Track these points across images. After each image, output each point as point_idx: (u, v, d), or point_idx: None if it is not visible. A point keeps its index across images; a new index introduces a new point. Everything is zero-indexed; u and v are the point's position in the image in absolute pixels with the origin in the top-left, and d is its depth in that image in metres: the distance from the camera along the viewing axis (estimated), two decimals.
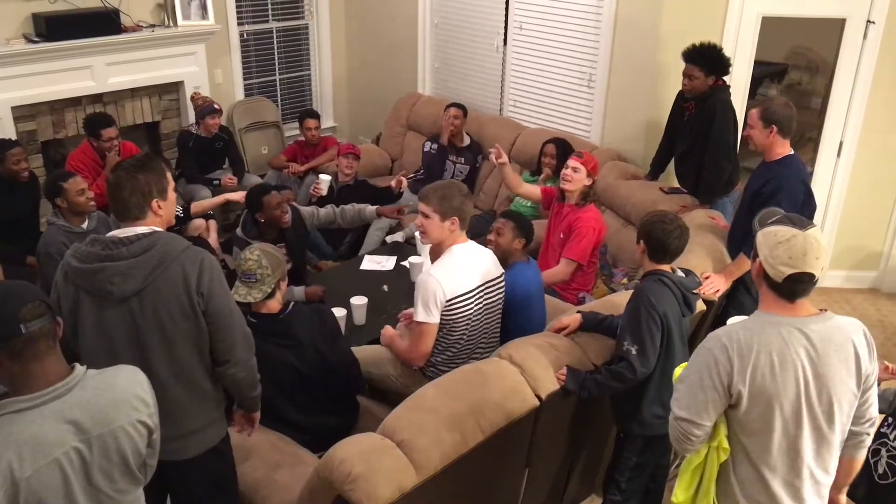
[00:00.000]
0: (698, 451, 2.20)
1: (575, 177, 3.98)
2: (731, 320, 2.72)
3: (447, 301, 2.99)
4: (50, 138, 5.32)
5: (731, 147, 4.24)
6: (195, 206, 4.50)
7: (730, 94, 4.26)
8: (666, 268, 2.77)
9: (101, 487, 1.75)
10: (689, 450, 2.17)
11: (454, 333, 3.08)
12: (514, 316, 3.33)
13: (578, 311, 3.07)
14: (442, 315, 3.01)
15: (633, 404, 2.79)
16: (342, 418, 3.10)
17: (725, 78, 4.27)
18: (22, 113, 5.09)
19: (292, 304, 3.00)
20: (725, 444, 2.14)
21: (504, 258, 3.38)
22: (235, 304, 2.34)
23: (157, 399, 1.89)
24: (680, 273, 2.79)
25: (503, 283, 3.22)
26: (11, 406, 1.64)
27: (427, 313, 2.99)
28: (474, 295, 3.06)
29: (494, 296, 3.17)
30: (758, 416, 2.05)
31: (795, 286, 2.01)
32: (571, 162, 4.02)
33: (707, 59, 4.14)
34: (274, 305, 2.91)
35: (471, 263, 3.07)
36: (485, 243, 3.36)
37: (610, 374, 2.71)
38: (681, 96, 4.42)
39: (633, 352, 2.64)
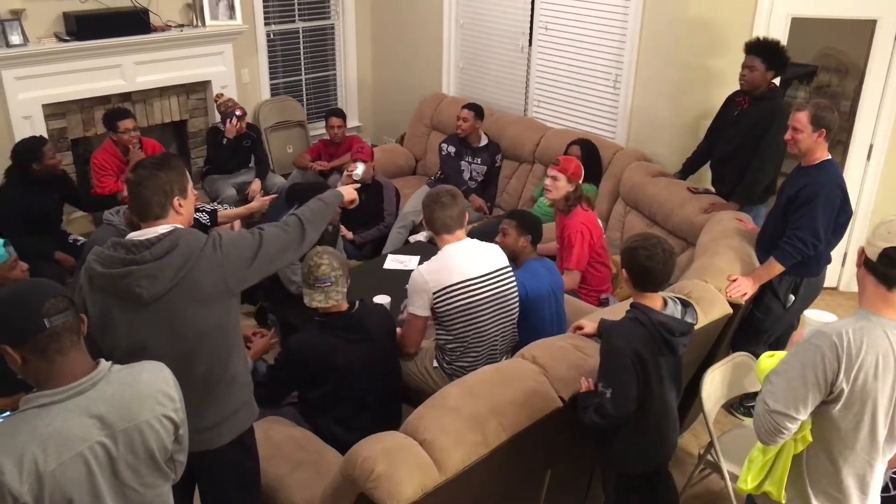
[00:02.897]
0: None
1: (556, 185, 3.96)
2: (812, 315, 2.77)
3: (434, 293, 3.06)
4: (79, 136, 5.39)
5: (781, 155, 4.16)
6: (222, 216, 4.55)
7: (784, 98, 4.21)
8: (656, 300, 2.56)
9: (127, 482, 1.76)
10: (778, 442, 2.19)
11: (457, 323, 3.11)
12: (527, 315, 3.32)
13: (602, 319, 3.01)
14: (437, 307, 3.10)
15: (606, 441, 2.68)
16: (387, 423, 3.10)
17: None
18: (52, 111, 5.16)
19: (358, 302, 3.06)
20: (809, 437, 2.18)
21: (513, 258, 3.39)
22: (275, 250, 2.33)
23: (193, 391, 1.89)
24: (673, 307, 2.57)
25: (510, 274, 3.22)
26: (36, 401, 1.65)
27: (414, 305, 3.14)
28: (470, 285, 3.08)
29: (503, 286, 3.17)
30: (852, 414, 2.10)
31: (891, 269, 2.05)
32: (550, 171, 4.00)
33: (770, 52, 4.07)
34: (343, 305, 2.96)
35: (461, 258, 3.12)
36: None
37: (594, 410, 2.56)
38: (730, 97, 4.35)
39: (608, 394, 2.50)
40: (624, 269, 2.57)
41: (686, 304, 2.63)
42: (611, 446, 2.67)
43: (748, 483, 2.34)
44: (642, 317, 2.51)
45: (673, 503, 2.91)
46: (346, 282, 2.96)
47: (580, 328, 3.01)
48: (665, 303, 2.58)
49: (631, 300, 2.66)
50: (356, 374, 2.95)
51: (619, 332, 2.53)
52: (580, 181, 4.01)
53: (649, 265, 2.49)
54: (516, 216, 3.58)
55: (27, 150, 4.37)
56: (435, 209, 3.12)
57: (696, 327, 2.64)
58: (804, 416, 2.12)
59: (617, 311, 3.22)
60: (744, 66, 4.15)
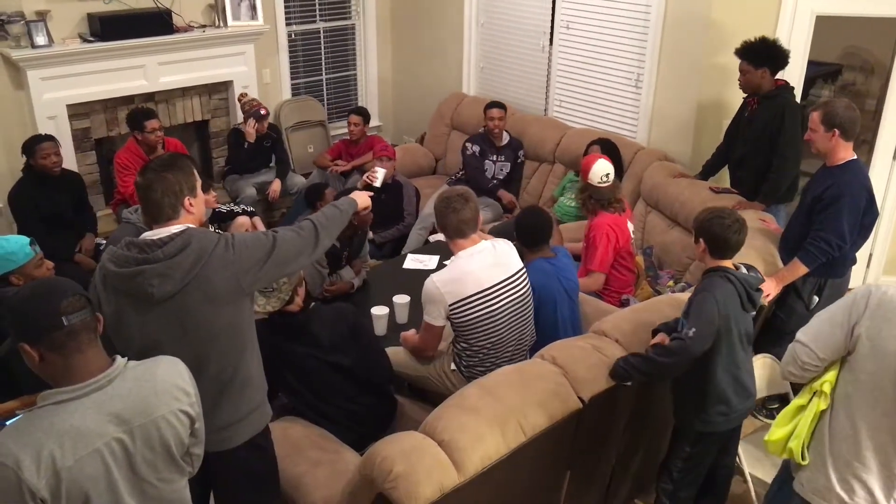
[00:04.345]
0: (803, 393, 2.32)
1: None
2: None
3: (450, 305, 3.00)
4: (103, 136, 5.45)
5: (800, 151, 4.12)
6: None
7: (794, 94, 4.17)
8: (728, 264, 2.75)
9: (144, 477, 1.78)
10: (792, 373, 2.32)
11: (474, 333, 3.06)
12: (536, 314, 3.29)
13: (656, 329, 2.94)
14: (453, 318, 3.05)
15: (697, 403, 2.80)
16: (373, 406, 3.12)
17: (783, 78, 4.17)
18: (77, 111, 5.22)
19: (312, 304, 3.04)
20: (826, 390, 2.22)
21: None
22: (289, 253, 2.32)
23: (206, 391, 1.90)
24: (743, 269, 2.77)
25: (525, 278, 3.16)
26: (53, 397, 1.67)
27: (429, 315, 3.09)
28: (486, 295, 3.02)
29: (518, 291, 3.11)
30: (871, 370, 2.12)
31: None
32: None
33: (752, 52, 4.07)
34: (292, 308, 2.94)
35: (476, 267, 3.03)
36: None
37: (661, 350, 2.70)
38: (745, 98, 4.33)
39: (690, 333, 2.63)
40: (701, 239, 2.74)
41: (749, 268, 2.82)
42: (705, 409, 2.78)
43: (773, 435, 2.39)
44: (728, 275, 2.70)
45: (729, 466, 3.05)
46: (296, 290, 2.90)
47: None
48: (736, 268, 2.77)
49: (704, 269, 2.81)
50: (313, 374, 2.95)
51: (714, 286, 2.69)
52: (587, 180, 3.98)
53: (726, 234, 2.68)
54: (518, 215, 3.60)
55: (25, 146, 4.45)
56: (448, 214, 3.02)
57: None
58: (822, 354, 2.21)
59: (638, 309, 3.21)
60: (739, 71, 4.17)
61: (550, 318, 3.34)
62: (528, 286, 3.17)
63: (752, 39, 4.11)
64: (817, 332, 2.23)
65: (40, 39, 4.88)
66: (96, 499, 1.68)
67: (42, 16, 4.91)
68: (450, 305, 3.01)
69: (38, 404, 1.68)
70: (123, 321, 2.18)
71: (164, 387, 1.80)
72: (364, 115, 5.83)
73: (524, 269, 3.18)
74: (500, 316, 3.05)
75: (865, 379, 2.13)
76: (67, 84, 5.08)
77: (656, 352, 2.72)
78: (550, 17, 5.60)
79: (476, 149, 5.48)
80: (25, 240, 3.06)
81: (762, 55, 4.06)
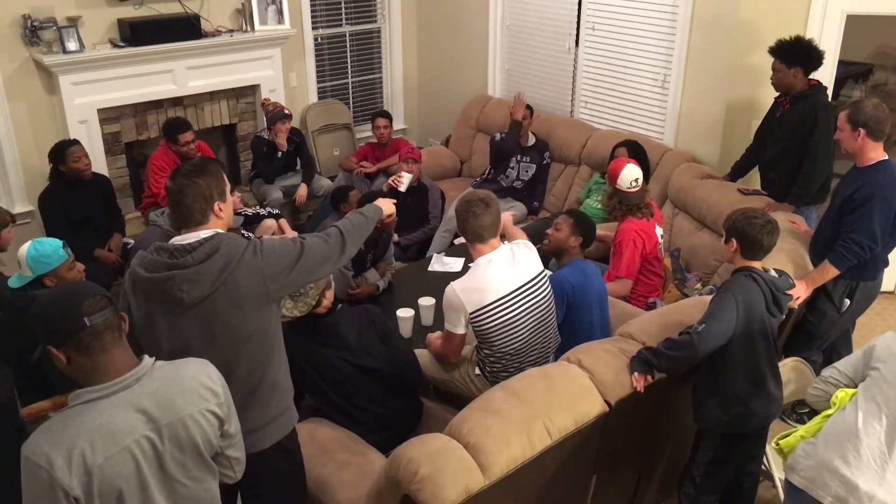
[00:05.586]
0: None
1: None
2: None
3: (471, 313, 2.99)
4: (133, 140, 5.52)
5: (831, 152, 4.07)
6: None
7: (827, 95, 4.11)
8: (757, 265, 2.75)
9: (174, 476, 1.80)
10: (816, 387, 2.59)
11: (496, 340, 3.05)
12: (573, 315, 3.29)
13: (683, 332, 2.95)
14: (474, 325, 3.04)
15: (715, 404, 2.80)
16: (400, 409, 3.12)
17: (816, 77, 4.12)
18: (107, 115, 5.29)
19: (339, 306, 3.05)
20: (843, 396, 2.42)
21: (558, 254, 3.35)
22: (316, 260, 2.33)
23: (234, 395, 1.92)
24: (773, 273, 2.77)
25: (545, 281, 3.13)
26: (83, 396, 1.70)
27: (449, 323, 3.08)
28: (506, 302, 2.99)
29: (538, 295, 3.08)
30: (882, 368, 2.33)
31: None
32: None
33: (785, 51, 4.02)
34: (320, 311, 2.96)
35: (495, 273, 3.00)
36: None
37: (669, 343, 2.75)
38: (776, 99, 4.28)
39: (699, 329, 2.66)
40: (733, 239, 2.76)
41: (780, 273, 2.84)
42: (725, 409, 2.79)
43: (785, 437, 2.56)
44: (755, 275, 2.72)
45: (755, 472, 3.03)
46: (324, 293, 2.92)
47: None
48: (766, 270, 2.79)
49: (733, 269, 2.84)
50: (340, 375, 2.96)
51: (737, 285, 2.72)
52: (616, 185, 3.96)
53: (759, 235, 2.71)
54: (574, 215, 3.56)
55: (54, 152, 4.52)
56: (468, 218, 3.01)
57: None
58: (843, 368, 2.51)
59: (665, 312, 3.18)
60: (771, 69, 4.11)
61: (585, 320, 3.33)
62: (548, 289, 3.15)
63: (787, 38, 4.06)
64: (849, 359, 2.53)
65: (72, 45, 4.95)
66: (129, 496, 1.71)
67: (73, 22, 4.99)
68: (470, 314, 3.00)
69: (69, 404, 1.71)
70: (153, 325, 2.20)
71: (191, 385, 1.82)
72: (390, 117, 5.86)
73: (545, 273, 3.16)
74: (521, 321, 3.04)
75: (875, 375, 2.32)
76: (98, 89, 5.15)
77: (664, 345, 2.75)
78: (576, 19, 5.58)
79: (503, 135, 5.48)
80: (59, 242, 3.12)
81: (796, 54, 4.01)
